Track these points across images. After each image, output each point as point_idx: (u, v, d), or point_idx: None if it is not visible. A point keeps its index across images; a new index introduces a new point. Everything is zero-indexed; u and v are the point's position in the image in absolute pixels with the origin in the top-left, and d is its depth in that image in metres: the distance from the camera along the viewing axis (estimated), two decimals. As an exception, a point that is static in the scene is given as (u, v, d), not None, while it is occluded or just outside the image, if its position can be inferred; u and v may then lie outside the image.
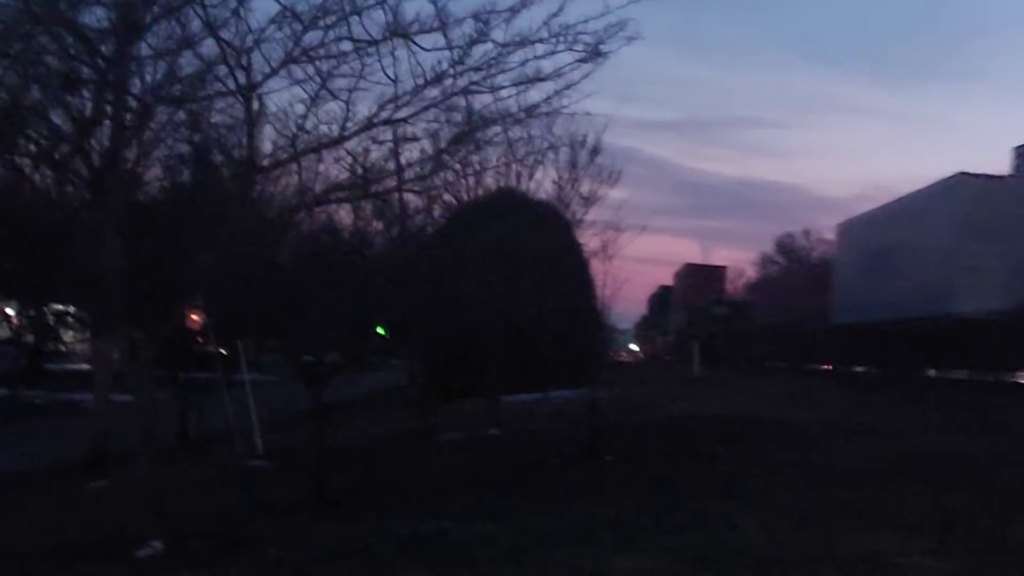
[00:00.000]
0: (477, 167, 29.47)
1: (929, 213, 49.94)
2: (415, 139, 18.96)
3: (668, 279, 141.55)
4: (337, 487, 18.63)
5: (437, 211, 31.17)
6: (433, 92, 13.15)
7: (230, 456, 25.73)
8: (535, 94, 14.04)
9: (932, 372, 47.55)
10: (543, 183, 31.20)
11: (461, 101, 13.26)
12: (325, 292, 21.66)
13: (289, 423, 31.43)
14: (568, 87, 13.36)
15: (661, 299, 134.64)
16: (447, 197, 30.53)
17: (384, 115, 13.24)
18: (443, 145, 16.10)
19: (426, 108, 13.19)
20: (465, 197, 30.58)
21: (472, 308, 29.99)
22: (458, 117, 13.33)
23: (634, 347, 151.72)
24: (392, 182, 15.87)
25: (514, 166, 29.55)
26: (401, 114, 13.30)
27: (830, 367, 59.82)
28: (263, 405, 27.76)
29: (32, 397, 42.42)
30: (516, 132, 28.84)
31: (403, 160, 15.26)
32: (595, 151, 30.25)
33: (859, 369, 54.68)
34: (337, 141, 13.44)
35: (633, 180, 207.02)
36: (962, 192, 46.65)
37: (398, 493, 18.49)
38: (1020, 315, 40.22)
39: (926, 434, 23.46)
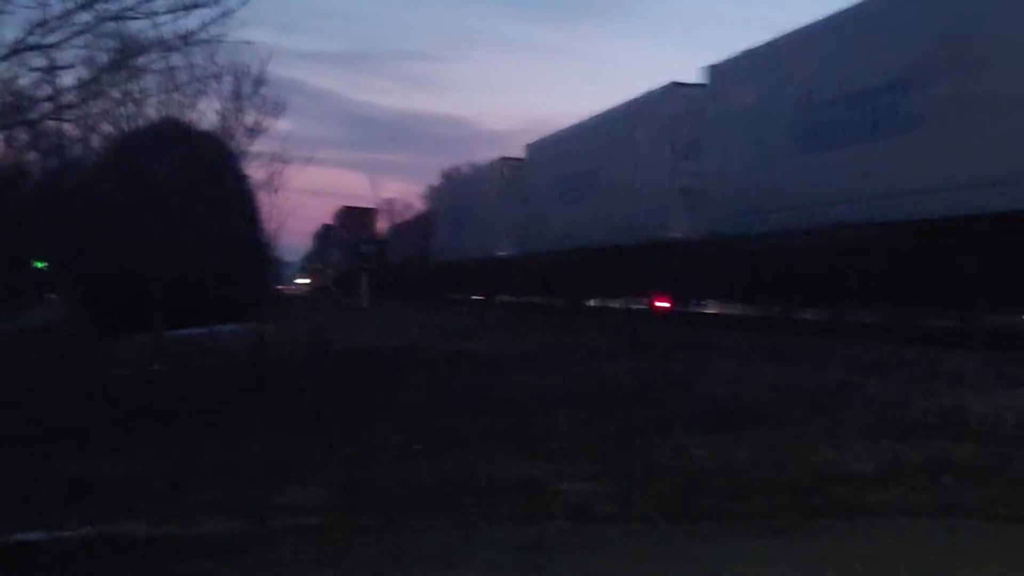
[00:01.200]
0: (137, 96, 28.61)
1: (640, 129, 44.64)
2: (69, 67, 18.29)
3: (336, 212, 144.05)
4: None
5: (96, 141, 30.13)
6: (85, 17, 12.59)
7: None
8: (193, 21, 13.64)
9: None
10: (206, 114, 30.47)
11: (114, 26, 12.74)
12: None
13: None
14: (225, 14, 13.01)
15: (324, 237, 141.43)
16: (106, 127, 29.42)
17: (32, 40, 12.62)
18: (98, 72, 15.54)
19: (78, 34, 12.62)
20: (125, 127, 29.59)
21: (131, 242, 29.29)
22: (112, 43, 12.79)
23: (302, 280, 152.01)
24: (45, 108, 15.17)
25: (176, 96, 28.64)
26: (51, 39, 12.70)
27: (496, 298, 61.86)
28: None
29: None
30: (177, 60, 28.41)
31: (57, 86, 14.56)
32: (259, 82, 29.75)
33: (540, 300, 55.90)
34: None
35: (300, 112, 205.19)
36: (675, 103, 41.95)
37: (64, 431, 17.77)
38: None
39: (592, 361, 24.05)
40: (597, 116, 51.98)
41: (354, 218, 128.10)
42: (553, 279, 53.69)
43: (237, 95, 29.78)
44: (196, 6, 12.96)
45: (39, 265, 46.86)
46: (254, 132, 30.34)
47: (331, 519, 10.41)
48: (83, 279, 34.65)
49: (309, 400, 19.93)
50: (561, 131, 57.69)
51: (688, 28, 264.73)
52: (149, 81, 27.85)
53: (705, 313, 39.66)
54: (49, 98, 14.46)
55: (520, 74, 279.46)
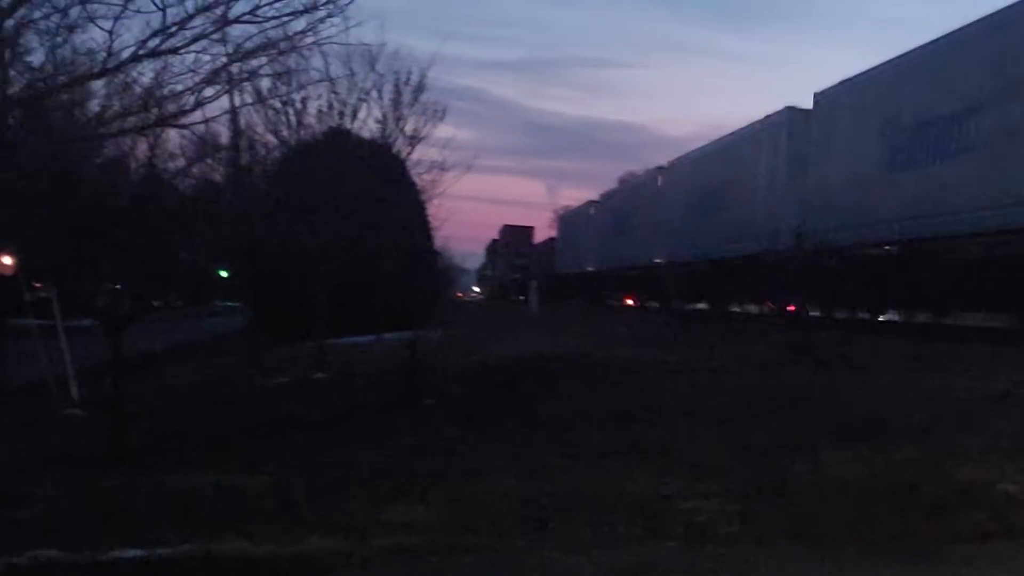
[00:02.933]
0: (299, 105, 28.91)
1: (760, 149, 48.87)
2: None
3: (513, 220, 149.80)
4: (144, 436, 18.02)
5: (261, 151, 30.49)
6: (201, 21, 12.45)
7: (43, 405, 24.85)
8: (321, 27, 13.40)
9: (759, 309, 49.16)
10: (367, 122, 30.57)
11: (232, 31, 12.59)
12: (169, 235, 21.11)
13: (127, 368, 30.54)
14: (330, 16, 12.75)
15: (492, 249, 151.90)
16: (269, 138, 29.78)
17: (152, 44, 12.53)
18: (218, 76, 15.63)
19: (196, 39, 12.48)
20: (288, 136, 29.80)
21: (302, 250, 29.43)
22: (229, 48, 12.62)
23: (476, 288, 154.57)
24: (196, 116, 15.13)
25: (336, 104, 28.85)
26: (171, 44, 12.59)
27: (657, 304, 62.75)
28: (96, 352, 26.83)
29: None
30: (337, 70, 28.60)
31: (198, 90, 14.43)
32: (419, 89, 29.76)
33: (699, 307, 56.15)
34: (100, 74, 12.73)
35: (478, 121, 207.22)
36: (788, 126, 46.01)
37: (203, 441, 17.86)
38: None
39: (741, 371, 23.33)
40: (726, 136, 55.96)
41: (514, 235, 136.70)
42: (700, 287, 55.96)
43: (397, 103, 29.80)
44: (305, 11, 12.68)
45: (223, 273, 47.69)
46: (414, 139, 30.38)
47: (436, 538, 10.02)
48: (255, 287, 34.94)
49: (457, 409, 19.69)
50: (697, 149, 61.84)
51: (868, 30, 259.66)
52: (311, 90, 28.39)
53: (842, 319, 38.92)
54: (197, 104, 14.34)
55: (698, 79, 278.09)
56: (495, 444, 15.58)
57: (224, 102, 15.49)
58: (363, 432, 17.82)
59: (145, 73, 13.47)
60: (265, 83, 24.69)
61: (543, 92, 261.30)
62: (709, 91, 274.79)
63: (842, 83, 41.16)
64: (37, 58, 12.64)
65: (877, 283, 36.50)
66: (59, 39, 12.58)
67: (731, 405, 18.14)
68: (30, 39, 12.60)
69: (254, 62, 13.17)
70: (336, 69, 28.73)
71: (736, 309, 51.85)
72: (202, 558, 9.68)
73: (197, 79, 12.84)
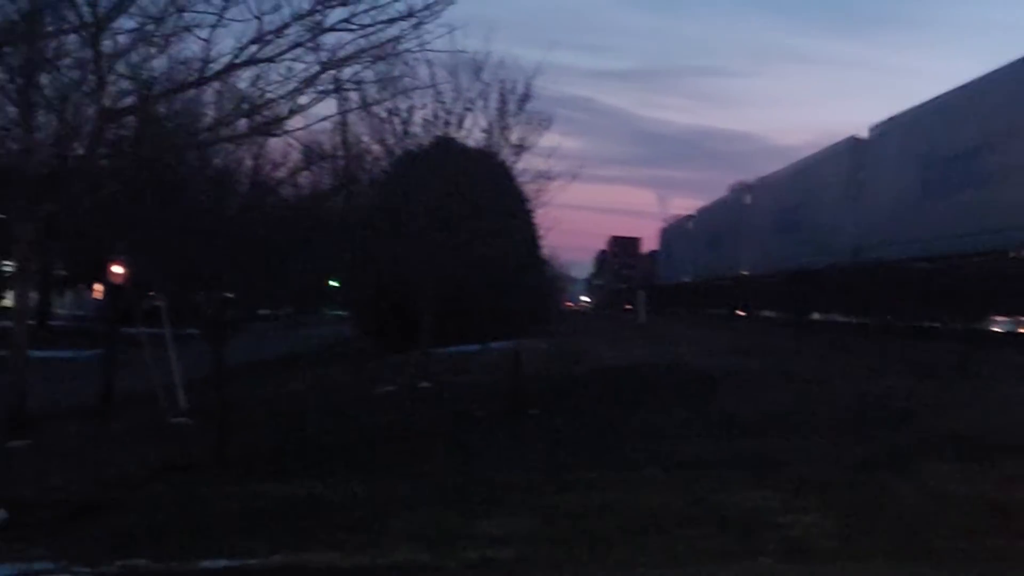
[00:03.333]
0: (405, 114, 28.91)
1: (828, 174, 55.50)
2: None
3: (624, 230, 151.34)
4: (247, 445, 18.11)
5: (368, 161, 30.57)
6: (296, 30, 12.42)
7: (152, 413, 25.11)
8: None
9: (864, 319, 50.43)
10: (472, 131, 30.46)
11: (327, 39, 12.54)
12: (277, 244, 21.17)
13: (234, 377, 30.84)
14: (419, 24, 12.64)
15: (601, 259, 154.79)
16: (376, 147, 29.83)
17: (247, 54, 12.53)
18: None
19: (292, 47, 12.45)
20: (393, 145, 29.81)
21: (408, 259, 29.42)
22: (323, 57, 12.57)
23: (585, 298, 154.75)
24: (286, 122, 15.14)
25: (441, 114, 28.81)
26: (266, 53, 12.58)
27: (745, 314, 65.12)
28: (206, 361, 27.11)
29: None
30: (443, 80, 28.59)
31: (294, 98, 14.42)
32: (525, 98, 29.58)
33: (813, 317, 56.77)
34: (197, 83, 12.77)
35: (588, 130, 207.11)
36: (849, 154, 52.93)
37: (304, 450, 17.90)
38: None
39: (851, 381, 22.92)
40: (802, 159, 63.11)
41: (621, 246, 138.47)
42: (781, 297, 60.71)
43: (502, 112, 29.68)
44: (400, 18, 12.59)
45: (334, 283, 47.98)
46: (520, 148, 30.21)
47: (526, 551, 9.87)
48: (362, 296, 35.09)
49: (559, 419, 19.56)
50: (779, 170, 69.02)
51: (989, 36, 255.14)
52: (416, 99, 28.41)
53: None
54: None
55: (810, 87, 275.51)
56: (594, 454, 15.45)
57: (325, 110, 15.46)
58: (463, 442, 17.75)
59: (241, 81, 13.49)
60: (371, 92, 24.69)
61: (654, 101, 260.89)
62: (823, 99, 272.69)
63: (890, 119, 48.35)
64: (135, 68, 12.64)
65: (916, 292, 41.54)
66: (156, 50, 12.62)
67: (836, 416, 17.81)
68: (128, 50, 12.64)
69: (358, 71, 13.05)
70: (441, 78, 28.66)
71: (817, 317, 56.60)
72: (290, 569, 9.63)
73: (291, 87, 12.81)
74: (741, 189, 75.72)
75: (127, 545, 10.42)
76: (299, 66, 12.61)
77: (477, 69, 29.17)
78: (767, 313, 64.37)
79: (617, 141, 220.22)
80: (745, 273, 68.93)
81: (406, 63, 25.19)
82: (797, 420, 17.61)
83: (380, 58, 12.82)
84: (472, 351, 35.85)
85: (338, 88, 12.92)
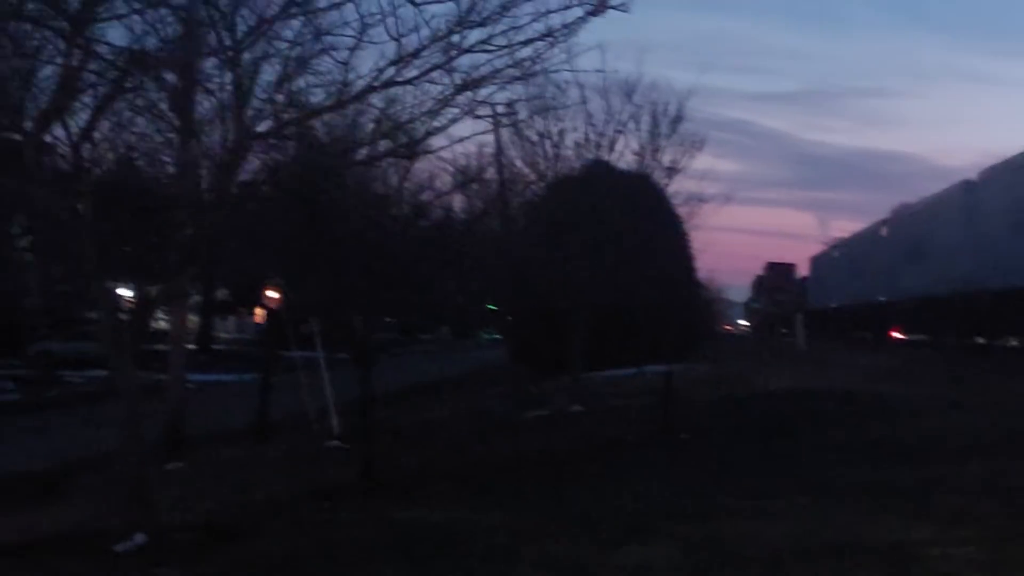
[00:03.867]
0: (556, 137, 28.89)
1: (947, 212, 60.82)
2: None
3: (784, 252, 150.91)
4: (394, 470, 18.11)
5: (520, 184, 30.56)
6: (435, 51, 12.31)
7: (307, 437, 25.33)
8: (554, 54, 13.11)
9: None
10: (624, 153, 30.31)
11: (465, 60, 12.42)
12: (440, 269, 21.22)
13: (386, 401, 31.03)
14: (553, 44, 12.43)
15: (758, 284, 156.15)
16: (527, 169, 29.83)
17: (386, 76, 12.46)
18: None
19: (432, 69, 12.35)
20: (545, 168, 29.75)
21: (562, 282, 29.27)
22: (458, 79, 12.44)
23: (744, 321, 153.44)
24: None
25: (592, 136, 28.75)
26: (407, 75, 12.50)
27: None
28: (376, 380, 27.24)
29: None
30: (595, 102, 28.47)
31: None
32: (678, 120, 29.37)
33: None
34: (335, 107, 12.74)
35: (747, 153, 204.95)
36: (963, 196, 57.69)
37: (453, 475, 17.83)
38: None
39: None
40: (928, 197, 68.56)
41: (777, 271, 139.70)
42: (916, 321, 65.21)
43: (654, 134, 29.48)
44: (539, 39, 12.41)
45: (491, 307, 48.03)
46: (672, 170, 29.99)
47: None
48: (516, 319, 35.03)
49: (710, 445, 19.21)
50: (911, 203, 74.28)
51: None
52: (567, 122, 28.33)
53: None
54: (427, 133, 14.22)
55: (973, 107, 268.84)
56: (744, 481, 15.04)
57: (464, 131, 15.40)
58: (609, 468, 17.52)
59: (381, 103, 13.45)
60: (519, 114, 24.65)
61: (815, 123, 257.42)
62: (986, 119, 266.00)
63: (992, 166, 53.63)
64: (272, 91, 12.69)
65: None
66: (292, 72, 12.63)
67: (1000, 445, 17.15)
68: (265, 72, 12.70)
69: (494, 92, 12.89)
70: (593, 100, 28.63)
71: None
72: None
73: (430, 108, 12.69)
74: (878, 223, 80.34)
75: (261, 571, 10.37)
76: (436, 87, 12.48)
77: (629, 91, 29.11)
78: (915, 336, 67.40)
79: (777, 164, 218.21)
80: (881, 299, 73.60)
81: (557, 86, 25.23)
82: (957, 448, 16.98)
83: (517, 79, 12.63)
84: (627, 375, 35.59)
85: (472, 110, 12.72)
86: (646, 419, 23.40)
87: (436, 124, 13.18)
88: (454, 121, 13.05)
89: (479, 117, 15.88)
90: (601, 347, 32.84)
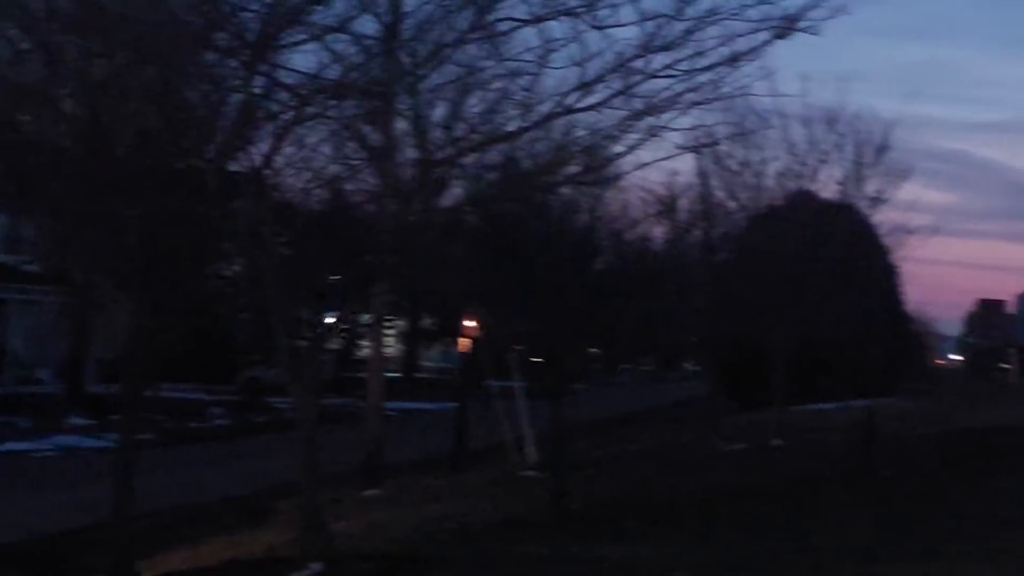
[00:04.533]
0: (757, 167, 28.46)
1: None
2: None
3: (1002, 285, 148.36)
4: (587, 501, 17.98)
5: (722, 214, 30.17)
6: (618, 76, 12.15)
7: (504, 466, 25.40)
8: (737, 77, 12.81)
9: None
10: (827, 183, 29.71)
11: (651, 85, 12.23)
12: (644, 301, 21.12)
13: (585, 432, 30.98)
14: (735, 66, 12.14)
15: (971, 318, 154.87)
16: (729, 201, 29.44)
17: (568, 102, 12.35)
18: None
19: (616, 95, 12.19)
20: (745, 198, 29.33)
21: (762, 314, 28.81)
22: (639, 104, 12.24)
23: (956, 356, 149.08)
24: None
25: (795, 166, 28.26)
26: (589, 101, 12.37)
27: None
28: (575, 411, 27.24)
29: (338, 405, 42.79)
30: (797, 132, 27.99)
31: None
32: (882, 149, 28.67)
33: None
34: (515, 134, 12.67)
35: (962, 183, 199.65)
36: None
37: (644, 509, 17.59)
38: None
39: None
40: None
41: (987, 307, 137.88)
42: None
43: (858, 163, 28.85)
44: (716, 65, 12.16)
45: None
46: (877, 200, 29.30)
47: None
48: (718, 352, 34.58)
49: (910, 483, 18.62)
50: None
51: None
52: (768, 151, 27.91)
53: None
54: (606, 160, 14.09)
55: None
56: (937, 521, 14.51)
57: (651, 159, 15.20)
58: (803, 504, 17.09)
59: (566, 128, 13.32)
60: (720, 143, 24.37)
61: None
62: None
63: None
64: (447, 117, 12.67)
65: None
66: (473, 98, 12.61)
67: None
68: (446, 98, 12.69)
69: (675, 117, 12.65)
70: (795, 130, 28.18)
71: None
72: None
73: (617, 134, 12.54)
74: None
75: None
76: (619, 112, 12.32)
77: (832, 120, 28.54)
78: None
79: (990, 194, 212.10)
80: None
81: (758, 114, 24.87)
82: None
83: (697, 104, 12.38)
84: (831, 409, 34.88)
85: (655, 135, 12.52)
86: (847, 455, 22.81)
87: (619, 149, 13.06)
88: (634, 148, 12.88)
89: (686, 149, 15.78)
90: (804, 380, 32.25)
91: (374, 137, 12.36)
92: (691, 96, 12.20)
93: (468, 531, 16.23)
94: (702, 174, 29.16)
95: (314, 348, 12.60)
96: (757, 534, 14.05)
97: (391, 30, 11.80)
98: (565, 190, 17.06)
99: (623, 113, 12.38)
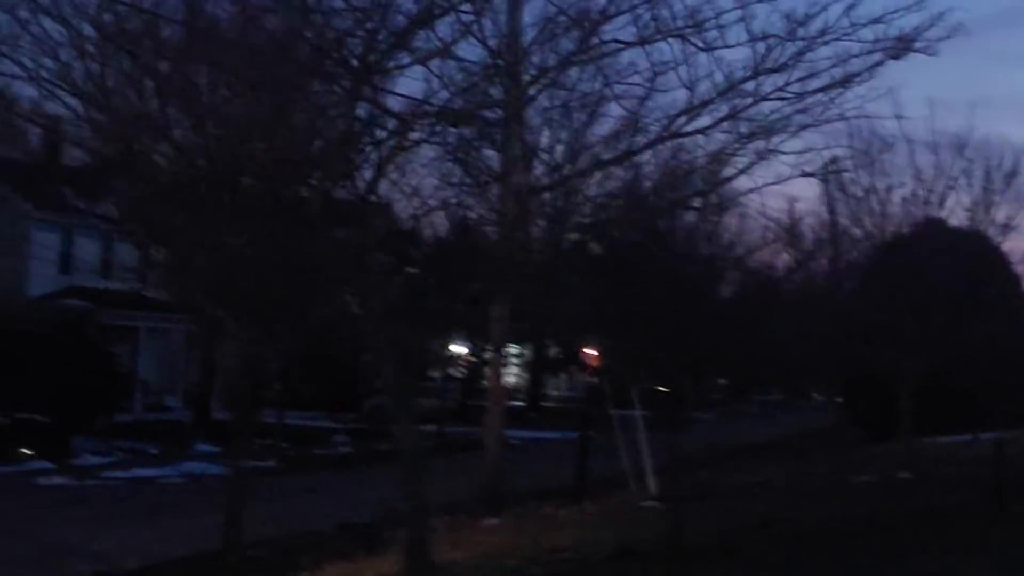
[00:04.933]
0: (883, 194, 28.02)
1: None
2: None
3: None
4: (707, 532, 17.70)
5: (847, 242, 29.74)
6: (729, 98, 11.96)
7: (625, 497, 25.17)
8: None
9: None
10: (954, 210, 29.15)
11: (760, 107, 12.02)
12: (767, 330, 20.86)
13: (709, 462, 30.61)
14: (846, 87, 11.87)
15: None
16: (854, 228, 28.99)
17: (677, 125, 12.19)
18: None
19: (725, 118, 12.00)
20: (870, 225, 28.85)
21: (891, 344, 28.28)
22: (749, 127, 12.03)
23: None
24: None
25: (921, 193, 27.76)
26: (697, 125, 12.21)
27: None
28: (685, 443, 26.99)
29: (462, 433, 42.86)
30: (923, 157, 27.51)
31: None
32: (1012, 175, 28.01)
33: None
34: (622, 158, 12.53)
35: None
36: None
37: (762, 540, 17.28)
38: None
39: None
40: None
41: None
42: None
43: (988, 190, 28.23)
44: (829, 87, 11.92)
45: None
46: (1007, 228, 28.66)
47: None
48: (843, 382, 34.07)
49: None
50: None
51: None
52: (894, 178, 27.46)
53: None
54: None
55: None
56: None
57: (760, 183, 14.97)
58: (931, 540, 16.63)
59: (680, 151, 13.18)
60: (844, 169, 24.08)
61: None
62: None
63: None
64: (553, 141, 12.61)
65: None
66: (576, 125, 12.51)
67: None
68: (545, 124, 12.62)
69: (785, 139, 12.44)
70: (922, 156, 27.73)
71: None
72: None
73: (717, 158, 12.34)
74: None
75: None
76: (728, 135, 12.14)
77: (960, 146, 28.02)
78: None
79: None
80: None
81: (883, 140, 24.50)
82: None
83: (808, 126, 12.13)
84: (961, 442, 34.08)
85: (760, 156, 12.30)
86: (977, 489, 22.22)
87: (730, 172, 12.90)
88: (744, 171, 12.69)
89: (807, 173, 15.54)
90: (934, 412, 31.53)
91: (481, 163, 12.29)
92: (801, 118, 11.98)
93: (586, 562, 16.06)
94: (827, 200, 28.83)
95: (417, 377, 12.54)
96: (875, 569, 13.70)
97: (497, 54, 11.74)
98: (686, 216, 16.90)
99: (732, 136, 12.21)
